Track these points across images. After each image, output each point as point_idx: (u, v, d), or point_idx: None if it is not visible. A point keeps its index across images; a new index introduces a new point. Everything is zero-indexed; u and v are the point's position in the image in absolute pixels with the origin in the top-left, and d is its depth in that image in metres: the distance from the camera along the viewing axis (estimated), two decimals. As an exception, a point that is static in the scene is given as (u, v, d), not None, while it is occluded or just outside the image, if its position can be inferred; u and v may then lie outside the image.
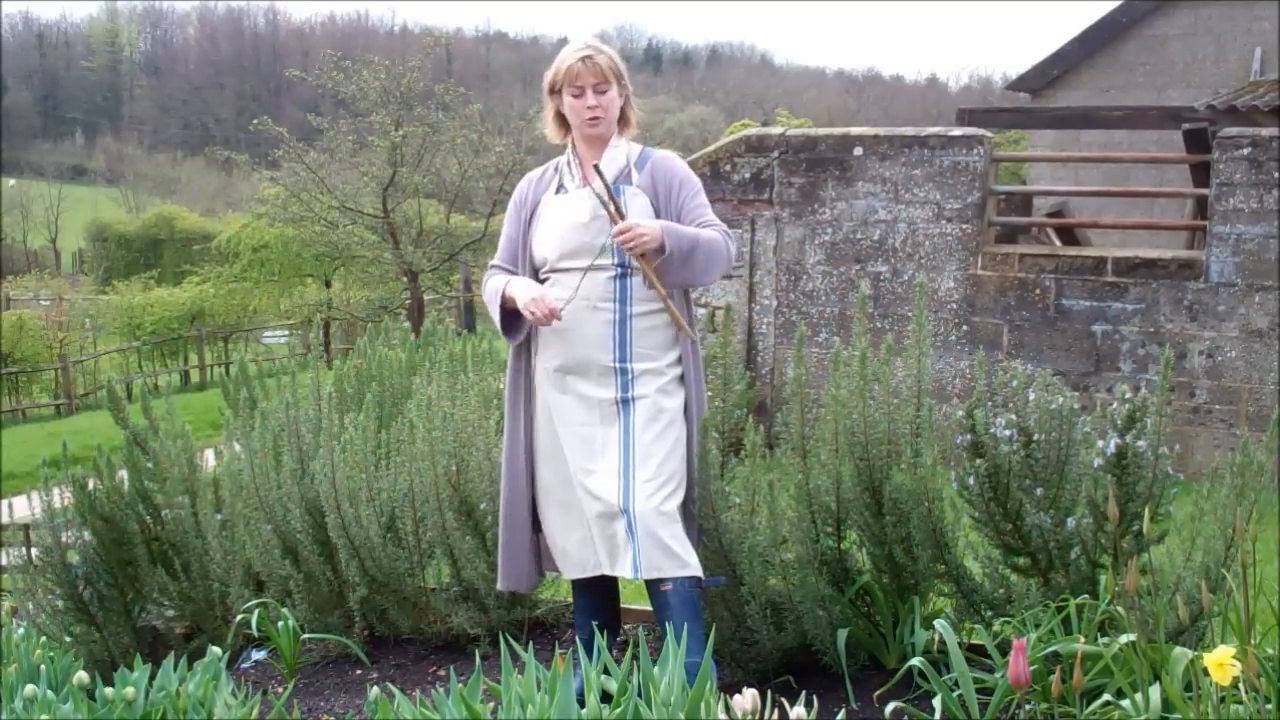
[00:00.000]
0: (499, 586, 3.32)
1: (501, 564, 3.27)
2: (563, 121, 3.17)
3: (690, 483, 3.11)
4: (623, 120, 3.16)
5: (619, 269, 3.04)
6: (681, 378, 3.12)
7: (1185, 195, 9.33)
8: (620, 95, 3.12)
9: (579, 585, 3.25)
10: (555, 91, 3.12)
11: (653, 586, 2.98)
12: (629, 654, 2.48)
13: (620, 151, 3.15)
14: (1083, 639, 2.77)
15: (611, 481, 2.98)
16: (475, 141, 18.86)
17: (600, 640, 2.56)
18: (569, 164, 3.19)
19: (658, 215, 3.08)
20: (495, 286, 3.15)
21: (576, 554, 3.13)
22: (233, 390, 6.04)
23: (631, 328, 3.05)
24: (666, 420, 3.04)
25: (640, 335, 3.06)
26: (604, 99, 3.06)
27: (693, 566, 2.96)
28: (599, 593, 3.26)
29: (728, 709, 2.23)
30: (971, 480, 3.10)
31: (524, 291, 3.04)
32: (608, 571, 3.06)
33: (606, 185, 3.03)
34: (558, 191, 3.18)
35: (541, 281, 3.16)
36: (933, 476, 3.17)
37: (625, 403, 3.04)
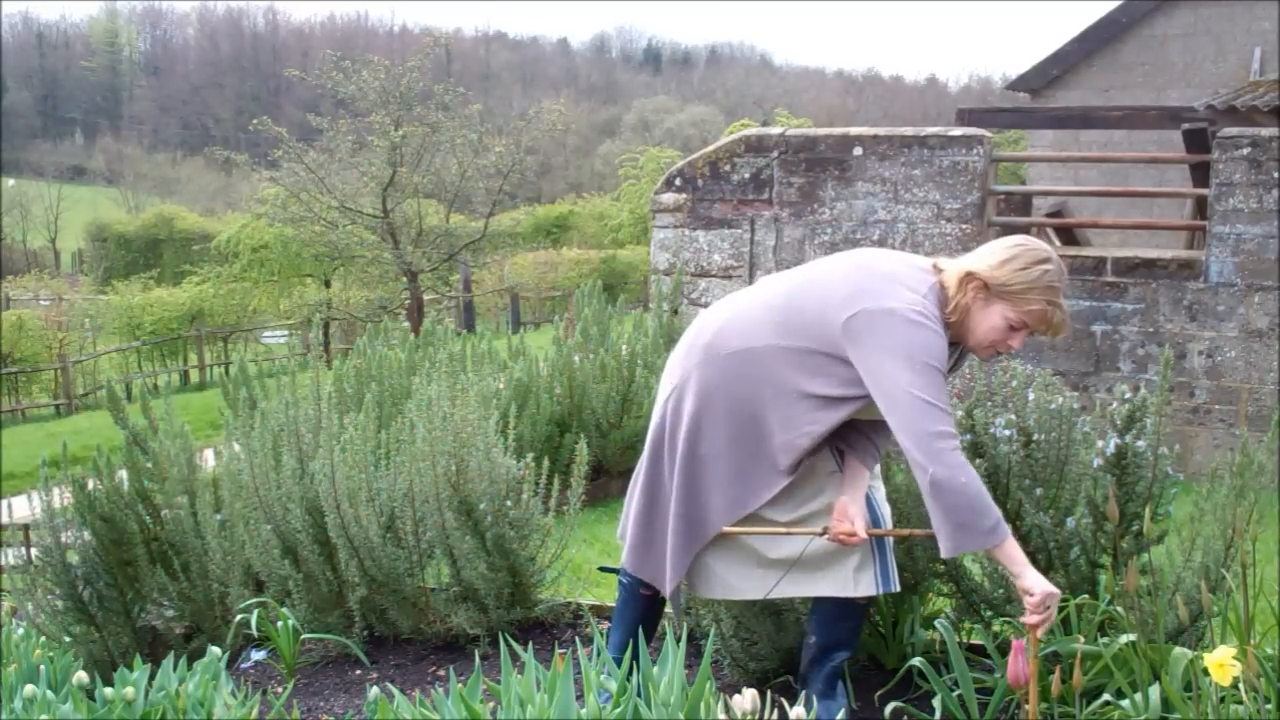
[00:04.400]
0: (673, 586, 2.91)
1: (681, 565, 2.89)
2: (966, 288, 2.64)
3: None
4: None
5: None
6: None
7: (1185, 195, 9.33)
8: None
9: (654, 597, 3.07)
10: (991, 291, 2.61)
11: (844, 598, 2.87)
12: (628, 654, 2.48)
13: None
14: (1083, 639, 2.77)
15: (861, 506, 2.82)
16: (475, 141, 18.85)
17: (600, 641, 2.56)
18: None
19: None
20: (989, 499, 2.56)
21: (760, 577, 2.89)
22: (232, 390, 6.04)
23: None
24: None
25: None
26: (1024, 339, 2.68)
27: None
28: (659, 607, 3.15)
29: (728, 709, 2.23)
30: (971, 480, 3.10)
31: (1039, 580, 2.52)
32: (841, 593, 2.85)
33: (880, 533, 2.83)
34: None
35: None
36: (932, 476, 3.16)
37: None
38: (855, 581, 2.81)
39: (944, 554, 2.59)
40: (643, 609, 3.06)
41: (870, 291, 2.61)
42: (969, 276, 2.62)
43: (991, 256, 2.63)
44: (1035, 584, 2.50)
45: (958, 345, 2.72)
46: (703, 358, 2.78)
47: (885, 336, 2.56)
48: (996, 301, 2.61)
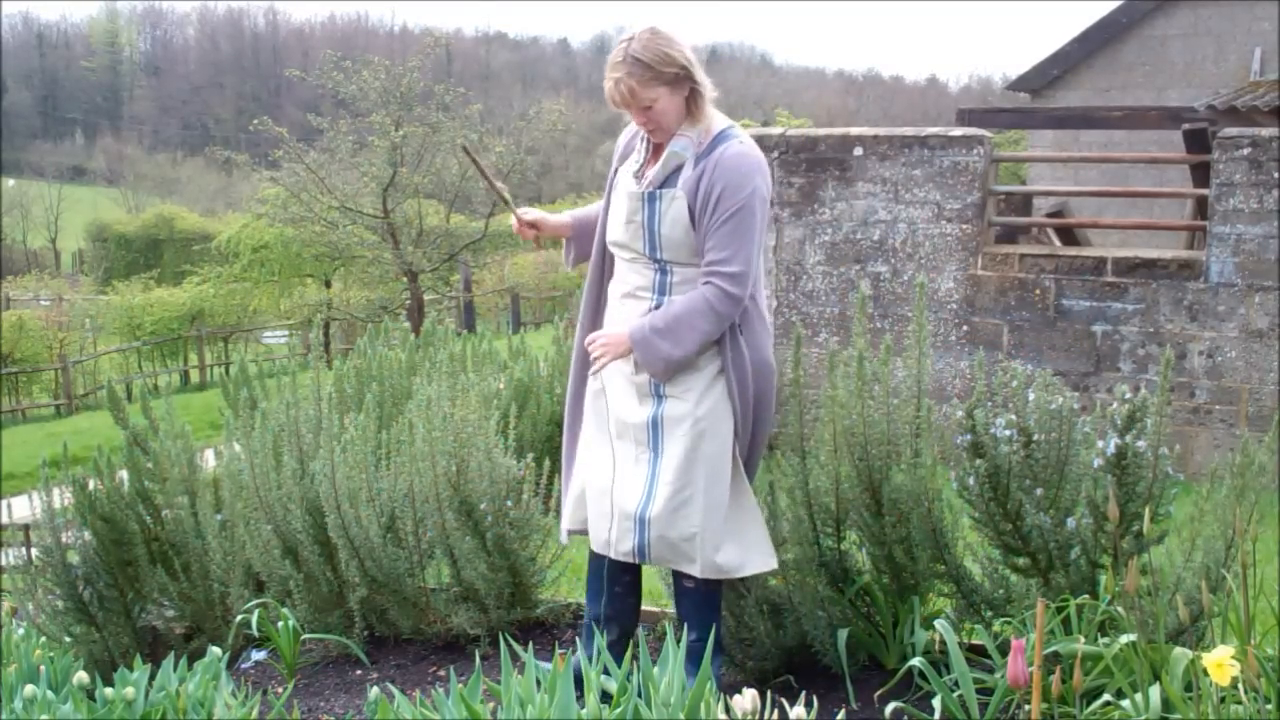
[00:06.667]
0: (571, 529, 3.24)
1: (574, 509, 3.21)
2: None
3: (750, 474, 3.08)
4: (692, 112, 2.94)
5: (658, 265, 3.00)
6: (720, 371, 2.98)
7: (1185, 195, 9.32)
8: (678, 94, 2.90)
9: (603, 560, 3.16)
10: None
11: (676, 574, 3.08)
12: (629, 654, 2.48)
13: (685, 142, 2.96)
14: (1083, 639, 2.77)
15: (640, 469, 2.98)
16: (475, 142, 18.86)
17: (600, 640, 2.56)
18: (643, 138, 3.06)
19: (693, 221, 2.93)
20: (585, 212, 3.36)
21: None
22: (233, 390, 6.04)
23: None
24: (689, 426, 2.94)
25: None
26: (651, 113, 2.91)
27: (699, 565, 2.94)
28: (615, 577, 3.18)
29: (728, 709, 2.23)
30: (971, 480, 3.10)
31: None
32: (605, 551, 3.06)
33: (484, 173, 3.49)
34: (627, 163, 3.12)
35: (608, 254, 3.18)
36: (932, 477, 3.17)
37: (659, 397, 2.97)
38: (611, 545, 3.02)
39: None
40: (598, 573, 3.19)
41: None
42: None
43: None
44: None
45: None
46: None
47: None
48: None
